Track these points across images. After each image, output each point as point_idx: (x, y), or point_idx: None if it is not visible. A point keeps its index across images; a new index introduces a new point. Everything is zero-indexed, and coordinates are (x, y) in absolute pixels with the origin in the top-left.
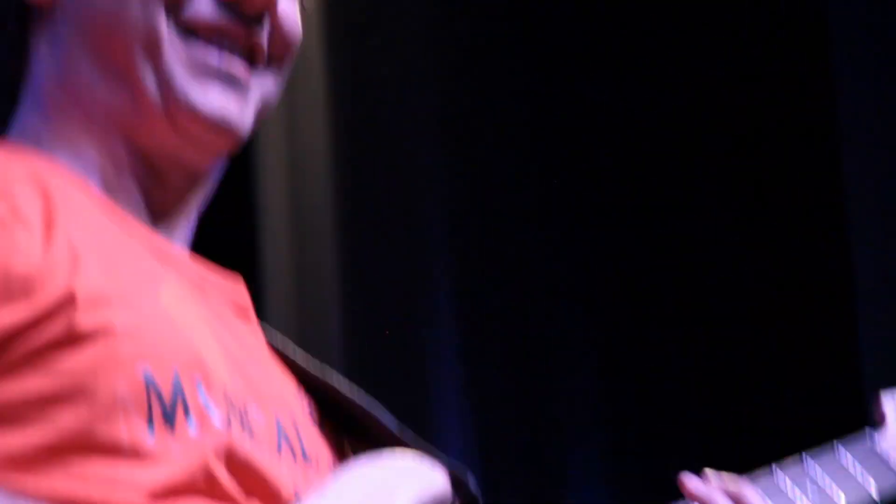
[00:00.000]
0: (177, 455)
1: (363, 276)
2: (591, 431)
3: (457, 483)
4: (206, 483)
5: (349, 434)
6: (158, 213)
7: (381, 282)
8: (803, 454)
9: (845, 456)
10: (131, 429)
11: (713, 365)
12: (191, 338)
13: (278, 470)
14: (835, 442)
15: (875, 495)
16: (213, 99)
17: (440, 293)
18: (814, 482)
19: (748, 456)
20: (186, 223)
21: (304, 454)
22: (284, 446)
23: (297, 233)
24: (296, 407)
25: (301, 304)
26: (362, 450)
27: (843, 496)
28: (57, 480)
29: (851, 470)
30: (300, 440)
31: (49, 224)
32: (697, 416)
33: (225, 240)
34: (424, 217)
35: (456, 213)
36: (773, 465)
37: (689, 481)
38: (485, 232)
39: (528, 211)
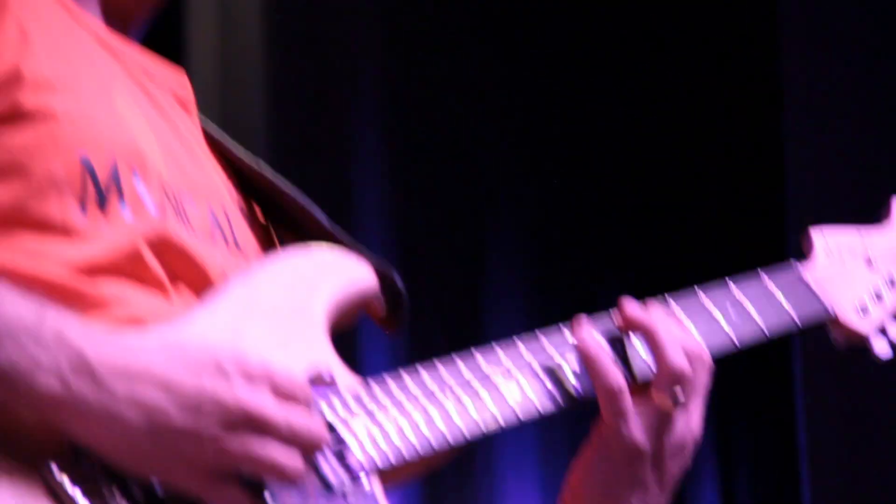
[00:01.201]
0: (107, 236)
1: (289, 65)
2: (512, 237)
3: (383, 280)
4: (133, 266)
5: (280, 227)
6: (113, 10)
7: (308, 76)
8: (726, 279)
9: (769, 283)
10: (63, 208)
11: (636, 200)
12: (131, 129)
13: (211, 258)
14: (759, 270)
15: (797, 320)
16: None
17: (367, 88)
18: (735, 304)
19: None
20: (142, 21)
21: (236, 244)
22: (218, 235)
23: (223, 18)
24: (229, 199)
25: (225, 92)
26: (292, 244)
27: (763, 319)
28: None
29: (775, 295)
30: (232, 231)
31: (1, 7)
32: (620, 248)
33: (153, 27)
34: (356, 4)
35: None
36: (696, 288)
37: (629, 304)
38: (417, 30)
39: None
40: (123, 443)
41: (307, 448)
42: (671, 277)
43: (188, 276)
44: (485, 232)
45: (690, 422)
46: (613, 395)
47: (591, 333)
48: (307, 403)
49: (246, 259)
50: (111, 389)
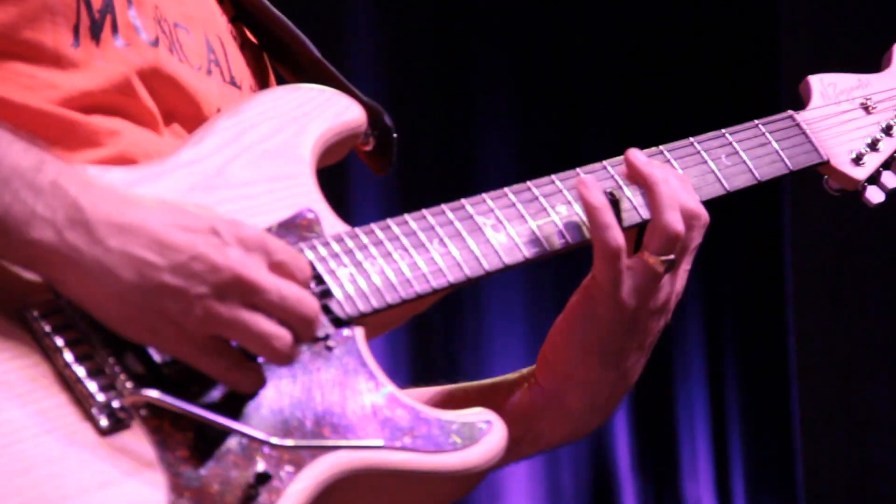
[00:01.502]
0: (99, 67)
1: None
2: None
3: (373, 118)
4: (126, 98)
5: (272, 57)
6: None
7: None
8: (722, 130)
9: (763, 129)
10: (56, 36)
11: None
12: None
13: (205, 90)
14: (755, 121)
15: (789, 165)
16: None
17: None
18: (729, 151)
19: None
20: None
21: (231, 77)
22: (213, 68)
23: None
24: (224, 26)
25: None
26: (284, 73)
27: (755, 164)
28: None
29: (769, 141)
30: (227, 61)
31: None
32: (612, 102)
33: None
34: None
35: None
36: (691, 139)
37: (635, 154)
38: None
39: None
40: (113, 298)
41: (297, 322)
42: (660, 131)
43: (181, 109)
44: (476, 84)
45: (676, 282)
46: (613, 254)
47: (597, 192)
48: (303, 278)
49: (240, 93)
50: (105, 243)
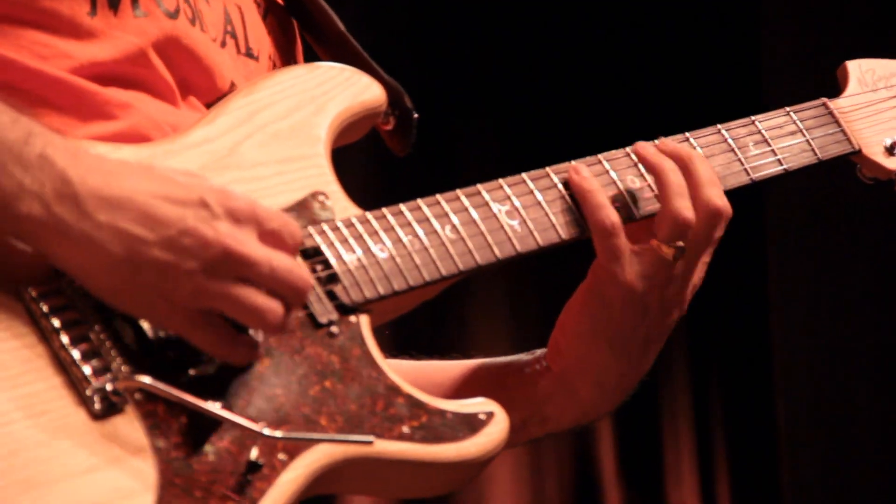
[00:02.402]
0: (115, 37)
1: None
2: None
3: (393, 99)
4: (140, 69)
5: (301, 28)
6: None
7: None
8: (752, 117)
9: (794, 116)
10: (73, 5)
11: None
12: None
13: (219, 62)
14: (786, 108)
15: (818, 154)
16: None
17: None
18: (757, 139)
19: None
20: None
21: (247, 49)
22: (228, 40)
23: None
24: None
25: None
26: (311, 46)
27: (784, 153)
28: (1, 42)
29: (799, 129)
30: (245, 33)
31: None
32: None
33: None
34: None
35: None
36: (718, 126)
37: (643, 146)
38: None
39: None
40: (103, 272)
41: (289, 294)
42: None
43: (196, 81)
44: (461, 76)
45: (694, 274)
46: (606, 232)
47: (585, 171)
48: (294, 244)
49: (256, 64)
50: (93, 217)
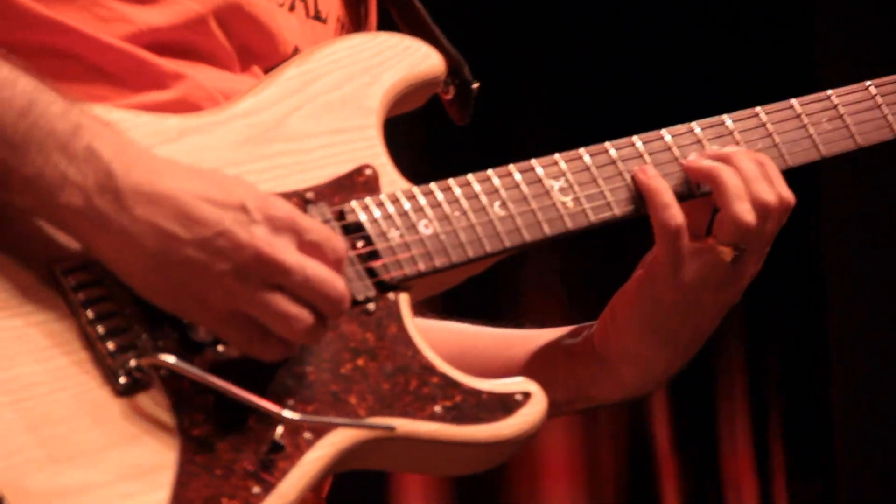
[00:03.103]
0: (177, 2)
1: None
2: None
3: (453, 69)
4: (197, 36)
5: None
6: None
7: None
8: (828, 91)
9: (873, 90)
10: None
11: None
12: None
13: (284, 28)
14: (866, 82)
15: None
16: None
17: None
18: (831, 114)
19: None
20: None
21: (315, 11)
22: (297, 3)
23: None
24: None
25: None
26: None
27: (858, 128)
28: (61, 7)
29: (877, 104)
30: None
31: None
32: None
33: None
34: None
35: None
36: (791, 100)
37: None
38: None
39: None
40: (137, 266)
41: (322, 303)
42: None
43: (256, 48)
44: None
45: (751, 266)
46: (670, 235)
47: (651, 170)
48: (335, 258)
49: (324, 27)
50: (131, 211)
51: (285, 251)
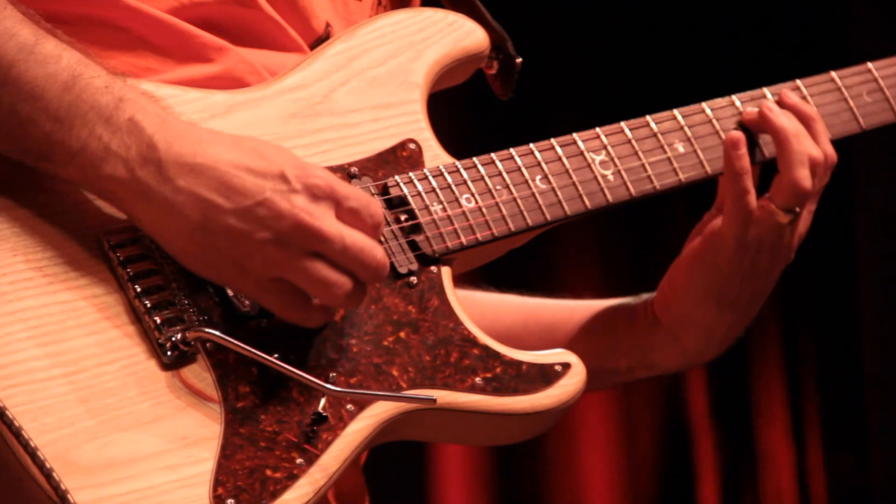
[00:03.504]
0: None
1: None
2: None
3: (497, 45)
4: (243, 9)
5: None
6: None
7: None
8: (868, 63)
9: None
10: None
11: None
12: None
13: (316, 4)
14: None
15: None
16: None
17: None
18: (874, 91)
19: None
20: None
21: None
22: None
23: None
24: None
25: None
26: None
27: None
28: None
29: None
30: None
31: None
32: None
33: None
34: None
35: None
36: (832, 72)
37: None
38: None
39: None
40: (179, 236)
41: (360, 270)
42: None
43: (290, 23)
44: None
45: (800, 225)
46: (746, 218)
47: (745, 156)
48: (373, 224)
49: (359, 6)
50: (174, 182)
51: (324, 219)
